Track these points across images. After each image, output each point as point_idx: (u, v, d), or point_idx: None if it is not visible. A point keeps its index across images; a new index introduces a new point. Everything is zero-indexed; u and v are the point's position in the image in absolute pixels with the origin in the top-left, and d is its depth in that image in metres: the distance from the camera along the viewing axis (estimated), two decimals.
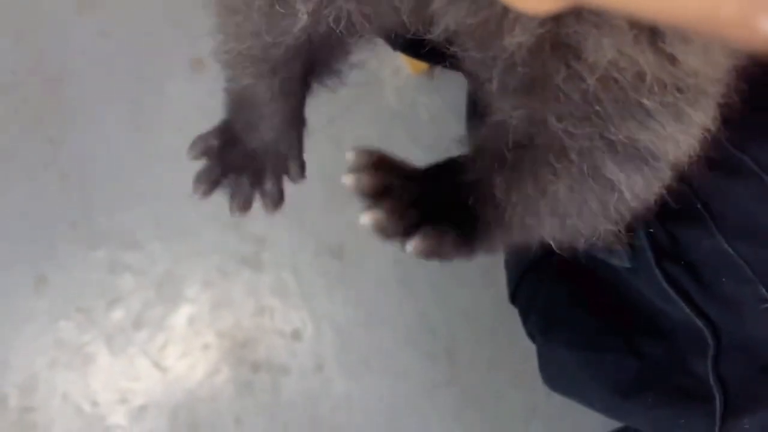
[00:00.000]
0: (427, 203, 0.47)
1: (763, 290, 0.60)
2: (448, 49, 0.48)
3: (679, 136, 0.44)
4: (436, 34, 0.46)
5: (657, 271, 0.64)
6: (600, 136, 0.44)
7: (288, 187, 0.70)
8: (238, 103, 0.64)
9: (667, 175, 0.48)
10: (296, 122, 0.65)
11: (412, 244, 0.45)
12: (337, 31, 0.49)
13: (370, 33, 0.53)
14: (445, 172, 0.51)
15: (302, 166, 0.68)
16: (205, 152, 0.65)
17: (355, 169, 0.46)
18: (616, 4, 0.24)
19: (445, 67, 0.56)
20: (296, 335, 1.25)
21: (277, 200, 0.67)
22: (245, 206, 0.66)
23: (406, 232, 0.45)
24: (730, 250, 0.61)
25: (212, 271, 1.26)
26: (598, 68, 0.40)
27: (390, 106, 1.31)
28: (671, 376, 0.66)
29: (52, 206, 1.27)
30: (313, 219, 1.27)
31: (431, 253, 0.46)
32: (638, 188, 0.47)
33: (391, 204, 0.45)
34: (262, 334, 1.25)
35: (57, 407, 1.22)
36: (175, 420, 1.22)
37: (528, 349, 0.83)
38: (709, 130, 0.46)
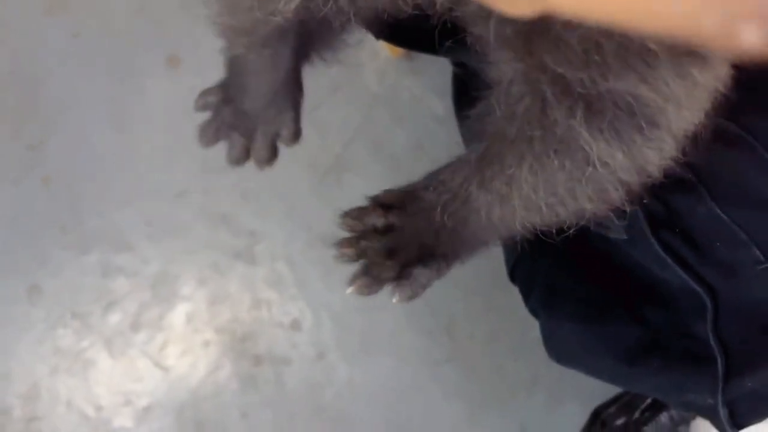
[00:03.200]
0: (401, 245, 0.56)
1: (758, 252, 0.62)
2: (454, 16, 0.47)
3: (683, 96, 0.42)
4: (440, 3, 0.45)
5: (653, 241, 0.65)
6: (595, 84, 0.42)
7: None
8: (232, 68, 0.68)
9: (669, 146, 0.47)
10: (289, 90, 0.68)
11: (395, 299, 0.55)
12: (325, 12, 0.49)
13: (357, 18, 0.53)
14: (413, 199, 0.57)
15: (296, 132, 0.71)
16: (205, 106, 0.70)
17: (339, 244, 0.55)
18: (593, 14, 0.24)
19: (435, 54, 0.56)
20: (295, 325, 1.25)
21: (265, 159, 0.71)
22: (238, 160, 0.70)
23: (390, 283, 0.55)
24: (723, 215, 0.62)
25: (206, 268, 1.26)
26: None
27: (371, 89, 1.31)
28: (674, 341, 0.68)
29: (39, 212, 1.26)
30: (302, 208, 1.26)
31: (413, 297, 0.56)
32: (621, 160, 0.46)
33: (368, 274, 0.54)
34: (261, 327, 1.25)
35: (62, 415, 1.22)
36: (181, 418, 1.23)
37: (526, 320, 0.83)
38: (720, 93, 0.44)
